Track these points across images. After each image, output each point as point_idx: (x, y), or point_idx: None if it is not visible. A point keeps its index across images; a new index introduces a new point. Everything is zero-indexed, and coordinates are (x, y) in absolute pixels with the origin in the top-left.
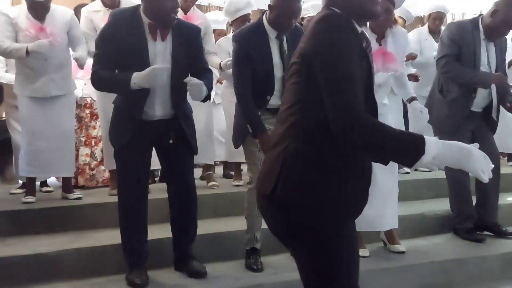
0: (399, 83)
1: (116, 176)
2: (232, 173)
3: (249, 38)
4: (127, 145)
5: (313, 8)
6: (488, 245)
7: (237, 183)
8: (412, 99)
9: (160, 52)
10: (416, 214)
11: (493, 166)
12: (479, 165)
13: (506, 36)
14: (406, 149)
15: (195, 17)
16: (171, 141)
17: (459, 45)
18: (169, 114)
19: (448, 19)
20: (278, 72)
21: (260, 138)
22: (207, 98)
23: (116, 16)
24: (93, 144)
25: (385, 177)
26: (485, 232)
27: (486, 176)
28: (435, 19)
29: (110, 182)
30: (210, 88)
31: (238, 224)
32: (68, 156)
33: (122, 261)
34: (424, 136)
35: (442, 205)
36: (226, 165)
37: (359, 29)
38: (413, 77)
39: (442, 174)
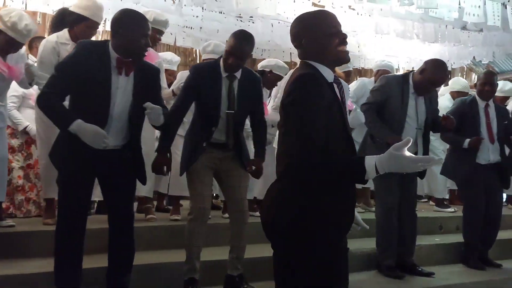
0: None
1: (58, 204)
2: (168, 207)
3: (203, 71)
4: (76, 173)
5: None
6: (407, 282)
7: (175, 217)
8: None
9: (122, 86)
10: None
11: (430, 160)
12: (412, 166)
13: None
14: (352, 173)
15: (152, 56)
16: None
17: (388, 96)
18: (120, 145)
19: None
20: (224, 107)
21: (158, 156)
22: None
23: (85, 46)
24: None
25: None
26: None
27: (423, 167)
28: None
29: (45, 210)
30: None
31: (173, 256)
32: (1, 181)
33: None
34: (364, 157)
35: (368, 244)
36: (160, 198)
37: (331, 78)
38: None
39: (370, 215)
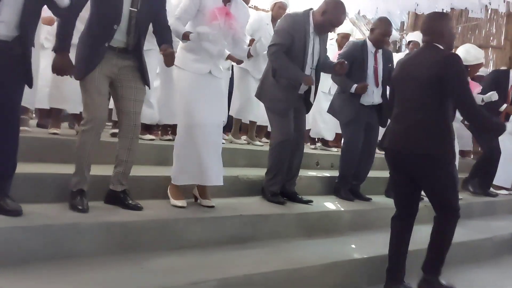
0: (237, 45)
1: None
2: (44, 124)
3: None
4: None
5: None
6: (287, 207)
7: (55, 131)
8: (248, 52)
9: None
10: (231, 177)
11: None
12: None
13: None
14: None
15: None
16: None
17: (293, 36)
18: (10, 36)
19: None
20: (126, 4)
21: (59, 56)
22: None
23: None
24: None
25: (213, 137)
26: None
27: None
28: (280, 8)
29: None
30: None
31: (54, 168)
32: None
33: None
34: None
35: (254, 172)
36: (42, 113)
37: None
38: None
39: (253, 147)
